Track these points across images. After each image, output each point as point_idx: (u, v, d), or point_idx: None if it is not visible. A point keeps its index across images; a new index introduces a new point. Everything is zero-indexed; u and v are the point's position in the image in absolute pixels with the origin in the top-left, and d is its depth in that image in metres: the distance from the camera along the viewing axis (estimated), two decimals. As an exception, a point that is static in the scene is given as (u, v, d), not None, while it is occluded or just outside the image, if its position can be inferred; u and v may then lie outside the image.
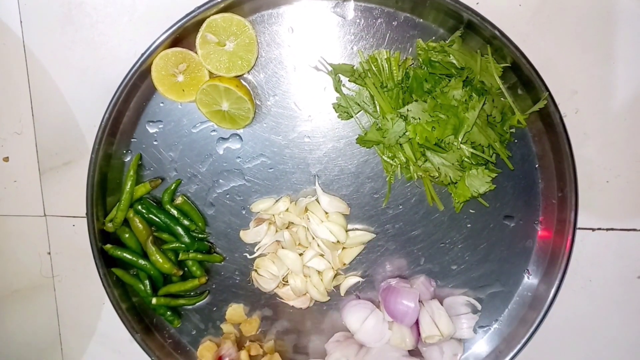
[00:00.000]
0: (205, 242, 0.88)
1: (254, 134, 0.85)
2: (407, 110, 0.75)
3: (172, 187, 0.86)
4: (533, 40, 0.81)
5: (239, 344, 0.90)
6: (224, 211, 0.88)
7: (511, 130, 0.80)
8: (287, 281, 0.86)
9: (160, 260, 0.86)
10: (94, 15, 0.87)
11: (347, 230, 0.85)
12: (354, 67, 0.81)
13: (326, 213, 0.85)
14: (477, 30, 0.77)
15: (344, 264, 0.87)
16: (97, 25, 0.87)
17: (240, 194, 0.87)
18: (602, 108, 0.82)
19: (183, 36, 0.80)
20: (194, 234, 0.87)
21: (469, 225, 0.85)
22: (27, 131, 0.93)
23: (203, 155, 0.86)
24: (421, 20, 0.80)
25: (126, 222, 0.87)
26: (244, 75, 0.83)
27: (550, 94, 0.77)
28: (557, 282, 0.81)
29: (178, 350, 0.91)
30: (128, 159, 0.87)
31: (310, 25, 0.82)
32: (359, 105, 0.81)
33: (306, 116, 0.84)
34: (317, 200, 0.85)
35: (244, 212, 0.88)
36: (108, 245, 0.86)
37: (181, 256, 0.87)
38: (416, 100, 0.76)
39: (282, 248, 0.86)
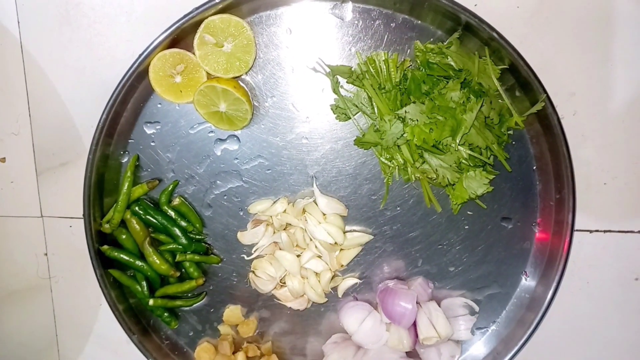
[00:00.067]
0: (203, 244, 0.88)
1: (252, 135, 0.85)
2: (405, 111, 0.75)
3: (170, 188, 0.86)
4: (531, 42, 0.81)
5: (237, 346, 0.90)
6: (222, 212, 0.88)
7: (509, 132, 0.80)
8: (284, 283, 0.86)
9: (158, 261, 0.86)
10: (91, 15, 0.87)
11: (344, 232, 0.85)
12: (352, 69, 0.81)
13: (324, 214, 0.85)
14: (475, 32, 0.77)
15: (342, 266, 0.86)
16: (94, 26, 0.87)
17: (238, 195, 0.87)
18: (600, 110, 0.83)
19: (181, 37, 0.80)
20: (192, 235, 0.87)
21: (466, 227, 0.85)
22: (24, 132, 0.92)
23: (201, 157, 0.86)
24: (419, 21, 0.80)
25: (123, 223, 0.87)
26: (242, 77, 0.83)
27: (548, 96, 0.77)
28: (554, 284, 0.81)
29: (175, 352, 0.91)
30: (125, 160, 0.87)
31: (308, 27, 0.82)
32: (356, 106, 0.81)
33: (304, 117, 0.84)
34: (314, 201, 0.85)
35: (241, 214, 0.87)
36: (105, 247, 0.85)
37: (178, 257, 0.86)
38: (414, 102, 0.76)
39: (280, 249, 0.86)
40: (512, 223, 0.85)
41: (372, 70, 0.79)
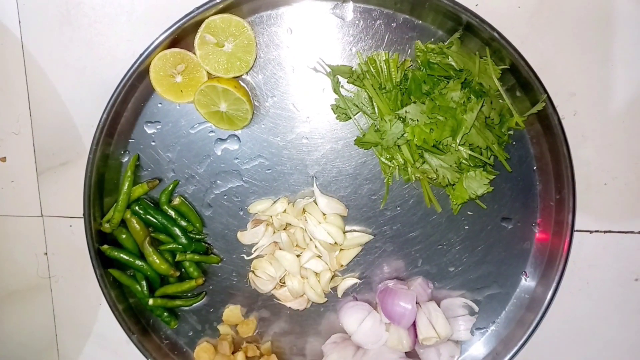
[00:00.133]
0: (203, 243, 0.88)
1: (252, 135, 0.85)
2: (406, 111, 0.75)
3: (170, 188, 0.86)
4: (531, 42, 0.81)
5: (236, 346, 0.90)
6: (222, 212, 0.88)
7: (509, 132, 0.80)
8: (284, 282, 0.86)
9: (158, 261, 0.86)
10: (92, 15, 0.87)
11: (344, 232, 0.85)
12: (353, 69, 0.81)
13: (324, 214, 0.85)
14: (475, 32, 0.77)
15: (342, 266, 0.86)
16: (95, 26, 0.87)
17: (238, 195, 0.87)
18: (601, 110, 0.83)
19: (182, 37, 0.80)
20: (192, 235, 0.87)
21: (466, 227, 0.85)
22: (25, 131, 0.92)
23: (201, 156, 0.86)
24: (420, 21, 0.80)
25: (123, 223, 0.87)
26: (243, 76, 0.83)
27: (548, 96, 0.77)
28: (554, 284, 0.81)
29: (175, 352, 0.91)
30: (126, 159, 0.87)
31: (309, 27, 0.82)
32: (357, 106, 0.81)
33: (304, 117, 0.84)
34: (314, 201, 0.85)
35: (241, 213, 0.87)
36: (105, 246, 0.85)
37: (178, 257, 0.86)
38: (414, 102, 0.76)
39: (280, 249, 0.86)
40: (512, 223, 0.85)
41: (372, 70, 0.79)
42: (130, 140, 0.86)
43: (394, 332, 0.83)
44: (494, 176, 0.78)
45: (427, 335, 0.81)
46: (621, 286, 0.87)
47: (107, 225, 0.85)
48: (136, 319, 0.89)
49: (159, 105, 0.85)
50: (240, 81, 0.83)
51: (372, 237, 0.86)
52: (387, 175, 0.83)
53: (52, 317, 0.99)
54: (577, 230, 0.83)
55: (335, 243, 0.83)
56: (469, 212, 0.85)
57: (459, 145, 0.75)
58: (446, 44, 0.78)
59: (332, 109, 0.83)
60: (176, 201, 0.86)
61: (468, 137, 0.75)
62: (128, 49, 0.86)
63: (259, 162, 0.86)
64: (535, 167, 0.83)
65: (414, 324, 0.83)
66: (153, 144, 0.86)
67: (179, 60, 0.80)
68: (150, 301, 0.86)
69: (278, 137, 0.85)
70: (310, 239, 0.84)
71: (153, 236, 0.87)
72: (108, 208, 0.87)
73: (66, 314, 0.99)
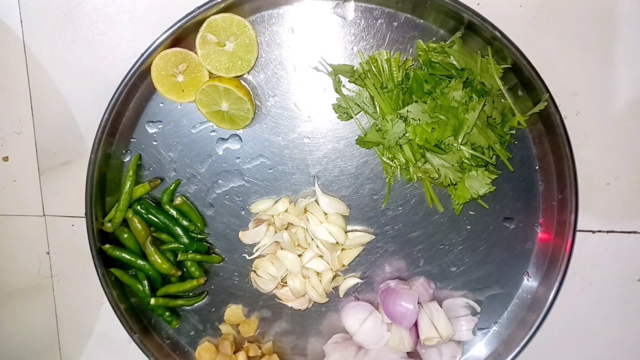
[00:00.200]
0: (204, 243, 0.88)
1: (254, 134, 0.85)
2: (407, 111, 0.75)
3: (172, 188, 0.86)
4: (533, 42, 0.81)
5: (237, 345, 0.90)
6: (223, 212, 0.88)
7: (511, 132, 0.80)
8: (285, 282, 0.86)
9: (159, 260, 0.86)
10: (93, 14, 0.87)
11: (346, 232, 0.85)
12: (354, 68, 0.81)
13: (325, 214, 0.85)
14: (477, 31, 0.77)
15: (343, 265, 0.86)
16: (96, 25, 0.87)
17: (240, 194, 0.87)
18: (603, 110, 0.82)
19: (183, 36, 0.80)
20: (193, 235, 0.87)
21: (468, 227, 0.85)
22: (27, 131, 0.93)
23: (202, 156, 0.86)
24: (422, 21, 0.80)
25: (125, 223, 0.87)
26: (244, 76, 0.83)
27: (550, 96, 0.76)
28: (556, 285, 0.81)
29: (176, 351, 0.91)
30: (127, 159, 0.87)
31: (310, 26, 0.82)
32: (358, 106, 0.81)
33: (306, 117, 0.84)
34: (316, 201, 0.85)
35: (243, 213, 0.87)
36: (107, 246, 0.85)
37: (180, 257, 0.87)
38: (416, 101, 0.75)
39: (281, 249, 0.85)
40: (514, 223, 0.85)
41: (374, 69, 0.79)
42: (131, 140, 0.86)
43: (396, 332, 0.83)
44: (496, 176, 0.77)
45: (428, 336, 0.81)
46: (623, 286, 0.86)
47: (108, 224, 0.85)
48: (138, 318, 0.89)
49: (161, 104, 0.85)
50: (241, 80, 0.83)
51: (373, 237, 0.86)
52: (388, 175, 0.83)
53: (54, 317, 0.99)
54: (579, 231, 0.83)
55: (337, 243, 0.83)
56: (471, 212, 0.85)
57: (460, 144, 0.75)
58: (448, 43, 0.78)
59: (334, 108, 0.83)
60: (178, 201, 0.86)
61: (470, 136, 0.74)
62: (129, 48, 0.87)
63: (261, 161, 0.86)
64: (537, 167, 0.83)
65: (415, 324, 0.83)
66: (155, 143, 0.86)
67: (181, 60, 0.80)
68: (152, 301, 0.86)
69: (279, 136, 0.85)
70: (312, 239, 0.84)
71: (155, 236, 0.88)
72: (110, 207, 0.87)
73: (68, 313, 0.99)
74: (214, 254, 0.89)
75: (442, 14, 0.78)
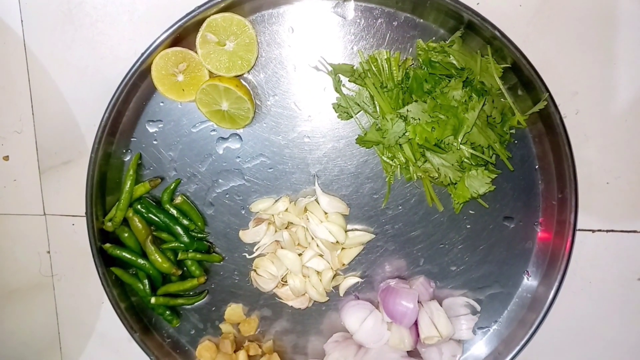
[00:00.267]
0: (205, 242, 0.88)
1: (254, 133, 0.85)
2: (407, 110, 0.75)
3: (172, 187, 0.86)
4: (533, 41, 0.81)
5: (238, 344, 0.90)
6: (224, 211, 0.88)
7: (511, 131, 0.80)
8: (286, 281, 0.86)
9: (160, 259, 0.86)
10: (93, 14, 0.87)
11: (346, 231, 0.85)
12: (354, 67, 0.81)
13: (325, 213, 0.85)
14: (477, 31, 0.77)
15: (343, 265, 0.86)
16: (97, 25, 0.87)
17: (240, 193, 0.87)
18: (603, 109, 0.82)
19: (183, 36, 0.80)
20: (193, 234, 0.87)
21: (468, 226, 0.85)
22: (27, 130, 0.93)
23: (203, 155, 0.86)
24: (421, 20, 0.80)
25: (125, 222, 0.87)
26: (244, 75, 0.83)
27: (550, 95, 0.76)
28: (556, 284, 0.81)
29: (177, 350, 0.91)
30: (128, 158, 0.87)
31: (310, 25, 0.82)
32: (358, 105, 0.81)
33: (306, 116, 0.84)
34: (316, 200, 0.85)
35: (243, 212, 0.88)
36: (107, 245, 0.86)
37: (180, 256, 0.87)
38: (416, 101, 0.75)
39: (281, 248, 0.86)
40: (514, 222, 0.85)
41: (374, 68, 0.79)
42: (132, 139, 0.86)
43: (396, 331, 0.83)
44: (496, 175, 0.77)
45: (429, 335, 0.81)
46: (623, 285, 0.87)
47: (109, 223, 0.85)
48: (138, 317, 0.89)
49: (161, 104, 0.85)
50: (241, 80, 0.83)
51: (373, 236, 0.86)
52: (388, 174, 0.83)
53: (54, 316, 0.99)
54: (579, 230, 0.83)
55: (337, 242, 0.83)
56: (470, 211, 0.85)
57: (460, 144, 0.75)
58: (447, 42, 0.78)
59: (334, 107, 0.83)
60: (178, 200, 0.86)
61: (470, 135, 0.75)
62: (130, 48, 0.87)
63: (261, 160, 0.86)
64: (537, 166, 0.83)
65: (415, 323, 0.83)
66: (155, 142, 0.86)
67: (181, 59, 0.80)
68: (152, 300, 0.87)
69: (280, 135, 0.85)
70: (312, 238, 0.84)
71: (155, 235, 0.88)
72: (110, 207, 0.87)
73: (68, 312, 0.99)
74: (214, 253, 0.89)
75: (442, 13, 0.78)
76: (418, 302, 0.82)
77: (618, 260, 0.86)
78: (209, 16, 0.78)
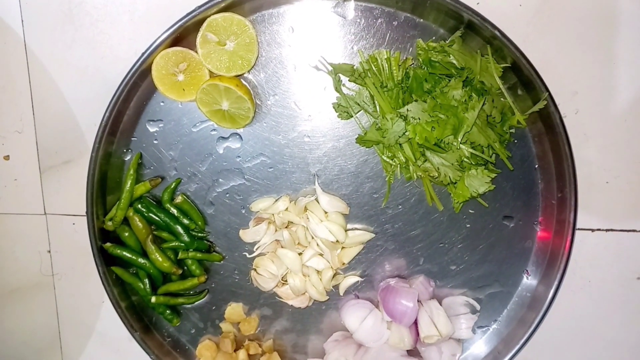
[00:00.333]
0: (205, 241, 0.88)
1: (254, 133, 0.85)
2: (407, 110, 0.75)
3: (172, 186, 0.86)
4: (533, 41, 0.81)
5: (238, 343, 0.90)
6: (224, 210, 0.88)
7: (511, 131, 0.80)
8: (286, 280, 0.86)
9: (160, 259, 0.86)
10: (94, 14, 0.87)
11: (346, 230, 0.85)
12: (354, 67, 0.81)
13: (325, 212, 0.85)
14: (477, 31, 0.77)
15: (343, 264, 0.87)
16: (97, 24, 0.87)
17: (240, 193, 0.87)
18: (603, 109, 0.82)
19: (183, 35, 0.80)
20: (194, 233, 0.88)
21: (468, 226, 0.85)
22: (28, 130, 0.93)
23: (203, 155, 0.86)
24: (421, 20, 0.80)
25: (126, 221, 0.87)
26: (244, 75, 0.83)
27: (550, 95, 0.77)
28: (556, 283, 0.81)
29: (177, 349, 0.91)
30: (128, 157, 0.87)
31: (310, 25, 0.82)
32: (358, 105, 0.81)
33: (306, 116, 0.84)
34: (316, 199, 0.85)
35: (243, 211, 0.88)
36: (108, 244, 0.86)
37: (180, 255, 0.87)
38: (416, 100, 0.76)
39: (282, 247, 0.86)
40: (513, 222, 0.85)
41: (374, 68, 0.79)
42: (132, 139, 0.87)
43: (396, 331, 0.83)
44: (496, 174, 0.78)
45: (428, 334, 0.81)
46: (623, 285, 0.87)
47: (109, 223, 0.86)
48: (138, 316, 0.89)
49: (161, 103, 0.85)
50: (242, 80, 0.83)
51: (373, 235, 0.86)
52: (388, 174, 0.83)
53: (55, 315, 0.99)
54: (578, 229, 0.83)
55: (337, 241, 0.83)
56: (470, 211, 0.85)
57: (460, 143, 0.75)
58: (447, 42, 0.78)
59: (334, 107, 0.83)
60: (178, 199, 0.87)
61: (469, 135, 0.75)
62: (130, 47, 0.87)
63: (261, 160, 0.86)
64: (537, 166, 0.83)
65: (415, 322, 0.83)
66: (155, 142, 0.87)
67: (181, 59, 0.80)
68: (153, 299, 0.87)
69: (280, 135, 0.85)
70: (312, 237, 0.85)
71: (155, 234, 0.88)
72: (111, 206, 0.87)
73: (69, 311, 0.99)
74: (214, 253, 0.89)
75: (442, 13, 0.78)
76: (418, 301, 0.82)
77: (617, 259, 0.86)
78: (209, 16, 0.78)
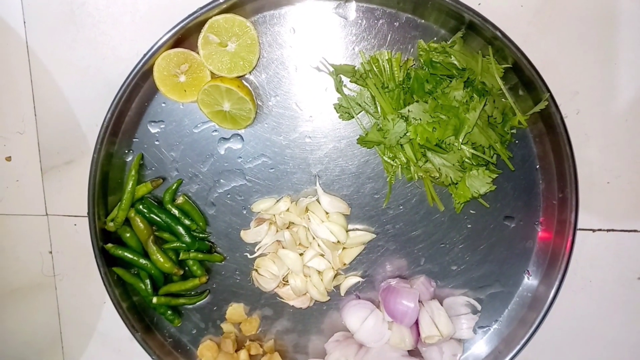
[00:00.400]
0: (206, 242, 0.89)
1: (255, 134, 0.85)
2: (408, 110, 0.75)
3: (174, 187, 0.87)
4: (534, 41, 0.81)
5: (239, 344, 0.90)
6: (225, 211, 0.88)
7: (512, 131, 0.81)
8: (287, 281, 0.86)
9: (161, 259, 0.86)
10: (96, 15, 0.87)
11: (347, 231, 0.85)
12: (356, 68, 0.81)
13: (327, 213, 0.85)
14: (478, 31, 0.77)
15: (344, 264, 0.87)
16: (99, 25, 0.88)
17: (241, 193, 0.87)
18: (604, 109, 0.82)
19: (185, 37, 0.80)
20: (195, 234, 0.88)
21: (469, 226, 0.85)
22: (30, 130, 0.93)
23: (204, 155, 0.87)
24: (423, 21, 0.80)
25: (127, 222, 0.87)
26: (246, 76, 0.83)
27: (551, 95, 0.77)
28: (557, 283, 0.81)
29: (178, 349, 0.91)
30: (130, 158, 0.87)
31: (312, 26, 0.82)
32: (360, 105, 0.81)
33: (307, 116, 0.84)
34: (317, 200, 0.85)
35: (244, 212, 0.88)
36: (109, 245, 0.86)
37: (182, 256, 0.87)
38: (417, 101, 0.76)
39: (283, 248, 0.86)
40: (514, 222, 0.85)
41: (375, 69, 0.79)
42: (134, 140, 0.87)
43: (397, 331, 0.83)
44: (497, 175, 0.78)
45: (429, 334, 0.81)
46: (623, 285, 0.87)
47: (111, 224, 0.86)
48: (140, 317, 0.89)
49: (163, 104, 0.85)
50: (243, 81, 0.83)
51: (374, 235, 0.86)
52: (389, 174, 0.83)
53: (56, 315, 1.00)
54: (579, 229, 0.83)
55: (338, 242, 0.84)
56: (471, 211, 0.85)
57: (461, 144, 0.75)
58: (449, 43, 0.78)
59: (335, 108, 0.83)
60: (180, 200, 0.87)
61: (471, 135, 0.75)
62: (132, 48, 0.87)
63: (262, 161, 0.86)
64: (538, 166, 0.83)
65: (416, 323, 0.83)
66: (157, 143, 0.87)
67: (183, 60, 0.80)
68: (154, 299, 0.87)
69: (281, 136, 0.85)
70: (313, 238, 0.85)
71: (157, 235, 0.88)
72: (112, 207, 0.87)
73: (70, 312, 0.99)
74: (215, 253, 0.89)
75: (443, 14, 0.78)
76: (419, 301, 0.82)
77: (618, 259, 0.86)
78: (210, 17, 0.78)
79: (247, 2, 0.79)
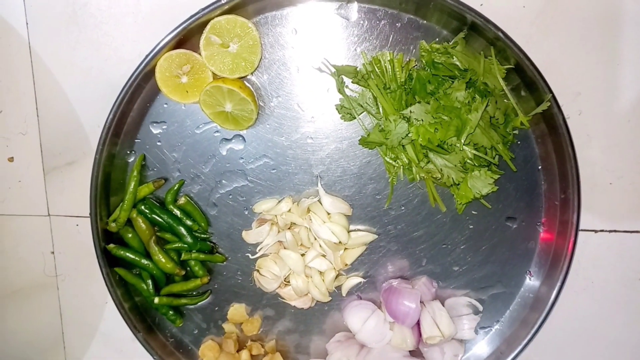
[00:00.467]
0: (208, 242, 0.89)
1: (257, 135, 0.85)
2: (410, 111, 0.75)
3: (175, 188, 0.87)
4: (536, 42, 0.81)
5: (241, 344, 0.91)
6: (227, 211, 0.88)
7: (514, 132, 0.81)
8: (288, 281, 0.87)
9: (163, 260, 0.86)
10: (98, 16, 0.88)
11: (349, 231, 0.85)
12: (357, 69, 0.81)
13: (328, 214, 0.85)
14: (480, 32, 0.77)
15: (346, 265, 0.87)
16: (101, 26, 0.88)
17: (243, 194, 0.87)
18: (606, 110, 0.82)
19: (187, 38, 0.80)
20: (197, 234, 0.88)
21: (471, 227, 0.85)
22: (32, 131, 0.93)
23: (206, 156, 0.87)
24: (425, 21, 0.80)
25: (129, 222, 0.87)
26: (248, 77, 0.83)
27: (553, 96, 0.77)
28: (558, 284, 0.81)
29: (180, 350, 0.91)
30: (132, 159, 0.87)
31: (313, 27, 0.82)
32: (361, 106, 0.81)
33: (309, 117, 0.84)
34: (319, 201, 0.85)
35: (246, 213, 0.88)
36: (111, 245, 0.86)
37: (184, 256, 0.87)
38: (419, 102, 0.76)
39: (284, 248, 0.86)
40: (516, 223, 0.85)
41: (377, 70, 0.79)
42: (136, 140, 0.87)
43: (398, 331, 0.83)
44: (499, 176, 0.78)
45: (431, 334, 0.81)
46: (625, 286, 0.87)
47: (113, 224, 0.86)
48: (142, 317, 0.90)
49: (165, 105, 0.86)
50: (245, 81, 0.83)
51: (376, 236, 0.86)
52: (391, 175, 0.83)
53: (58, 316, 1.00)
54: (581, 230, 0.83)
55: (340, 242, 0.84)
56: (473, 212, 0.85)
57: (463, 144, 0.75)
58: (451, 43, 0.78)
59: (337, 109, 0.83)
60: (182, 201, 0.87)
61: (473, 136, 0.75)
62: (134, 49, 0.87)
63: (264, 161, 0.86)
64: (540, 167, 0.83)
65: (418, 323, 0.83)
66: (159, 144, 0.87)
67: (185, 61, 0.80)
68: (156, 300, 0.87)
69: (283, 137, 0.85)
70: (315, 238, 0.85)
71: (159, 235, 0.88)
72: (114, 207, 0.87)
73: (72, 312, 0.99)
74: (217, 254, 0.89)
75: (446, 14, 0.78)
76: (420, 302, 0.82)
77: (621, 260, 0.86)
78: (212, 18, 0.78)
79: (249, 3, 0.79)
